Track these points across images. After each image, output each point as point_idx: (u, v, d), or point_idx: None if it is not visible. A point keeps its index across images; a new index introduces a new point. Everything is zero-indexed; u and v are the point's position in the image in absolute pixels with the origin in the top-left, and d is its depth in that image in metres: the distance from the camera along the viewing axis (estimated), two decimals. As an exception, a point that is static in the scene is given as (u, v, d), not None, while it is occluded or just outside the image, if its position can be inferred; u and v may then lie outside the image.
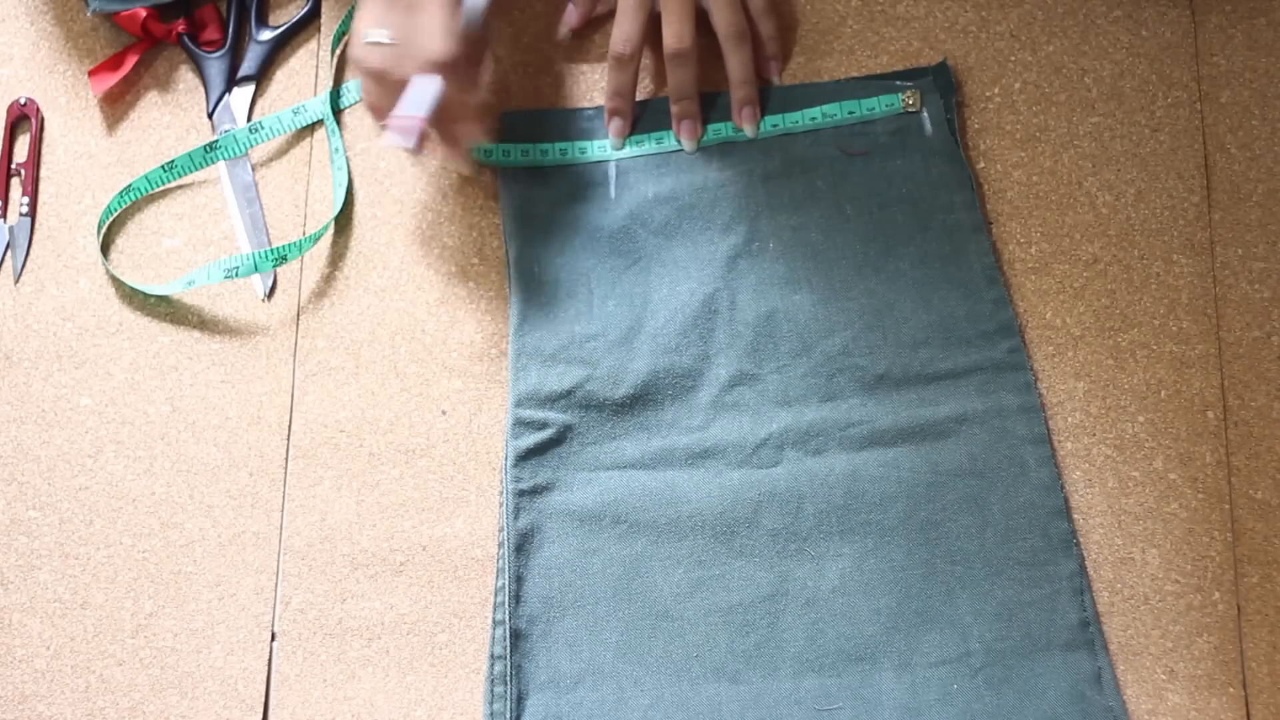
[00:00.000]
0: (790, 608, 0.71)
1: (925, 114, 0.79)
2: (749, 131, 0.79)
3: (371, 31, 0.71)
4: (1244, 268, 0.76)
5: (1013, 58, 0.82)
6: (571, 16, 0.82)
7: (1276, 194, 0.77)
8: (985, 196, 0.79)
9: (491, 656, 0.72)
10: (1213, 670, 0.70)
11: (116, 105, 0.85)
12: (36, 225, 0.83)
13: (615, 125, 0.80)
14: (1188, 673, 0.70)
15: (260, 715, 0.73)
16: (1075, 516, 0.73)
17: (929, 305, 0.76)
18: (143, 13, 0.84)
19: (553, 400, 0.75)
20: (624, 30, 0.77)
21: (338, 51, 0.85)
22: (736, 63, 0.78)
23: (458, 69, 0.71)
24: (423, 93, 0.70)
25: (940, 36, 0.82)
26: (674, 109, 0.79)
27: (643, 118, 0.81)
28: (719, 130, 0.80)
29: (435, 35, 0.70)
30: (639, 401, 0.75)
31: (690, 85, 0.78)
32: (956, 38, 0.82)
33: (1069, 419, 0.75)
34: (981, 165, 0.79)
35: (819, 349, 0.75)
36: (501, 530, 0.74)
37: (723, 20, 0.77)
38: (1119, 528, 0.73)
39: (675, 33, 0.76)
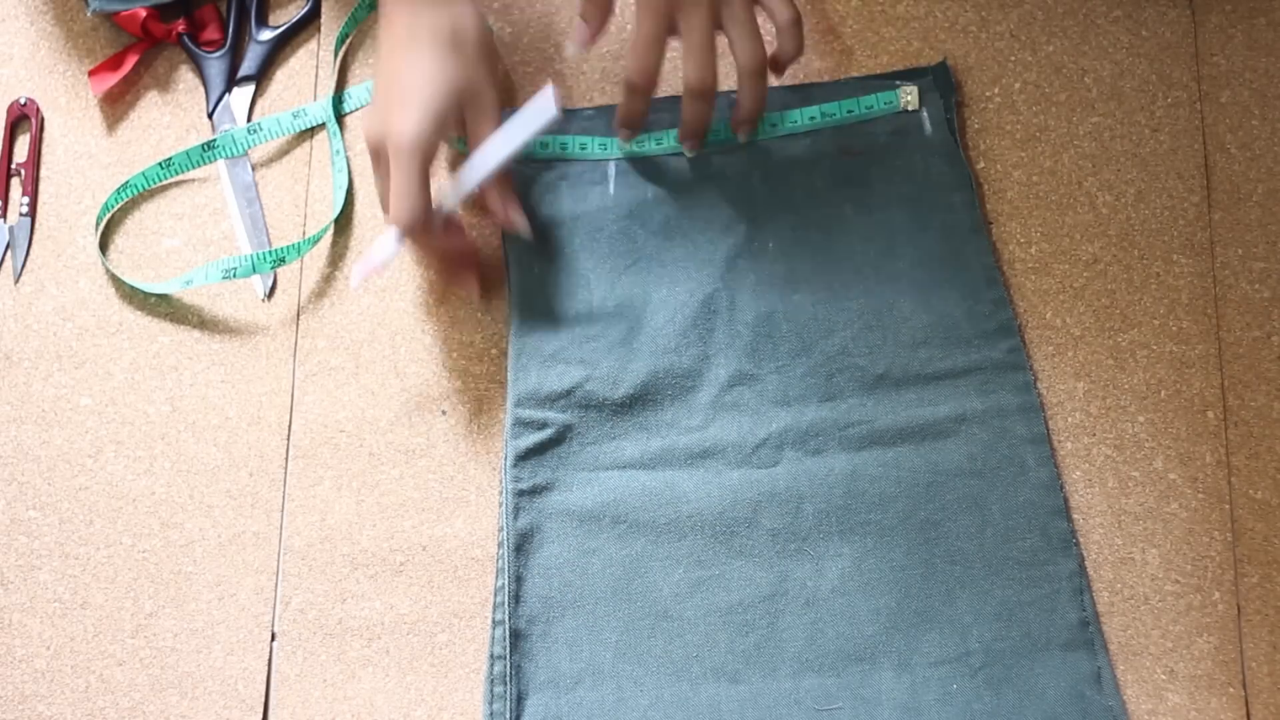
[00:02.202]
0: (790, 608, 0.71)
1: (925, 114, 0.79)
2: (742, 140, 0.79)
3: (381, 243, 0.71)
4: (1244, 268, 0.76)
5: (1013, 58, 0.82)
6: (581, 33, 0.78)
7: (1276, 194, 0.77)
8: (985, 196, 0.79)
9: (491, 656, 0.72)
10: (1213, 670, 0.70)
11: (116, 105, 0.85)
12: (36, 225, 0.83)
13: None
14: (1188, 673, 0.70)
15: (260, 715, 0.73)
16: (1075, 516, 0.73)
17: (928, 305, 0.76)
18: (143, 12, 0.84)
19: (552, 400, 0.75)
20: (642, 61, 0.73)
21: (340, 54, 0.85)
22: (750, 96, 0.75)
23: (420, 232, 0.69)
24: (383, 247, 0.71)
25: (940, 36, 0.82)
26: (683, 134, 0.77)
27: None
28: (718, 131, 0.80)
29: (396, 200, 0.68)
30: (638, 401, 0.75)
31: (706, 120, 0.76)
32: (956, 38, 0.82)
33: (1069, 419, 0.75)
34: (981, 165, 0.79)
35: (818, 349, 0.75)
36: (501, 530, 0.74)
37: (744, 51, 0.73)
38: (1119, 528, 0.72)
39: (697, 67, 0.72)
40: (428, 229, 0.71)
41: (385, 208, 0.73)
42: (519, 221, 0.75)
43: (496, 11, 0.84)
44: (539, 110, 0.70)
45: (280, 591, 0.75)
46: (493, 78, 0.71)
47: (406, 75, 0.69)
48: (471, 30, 0.70)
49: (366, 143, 0.71)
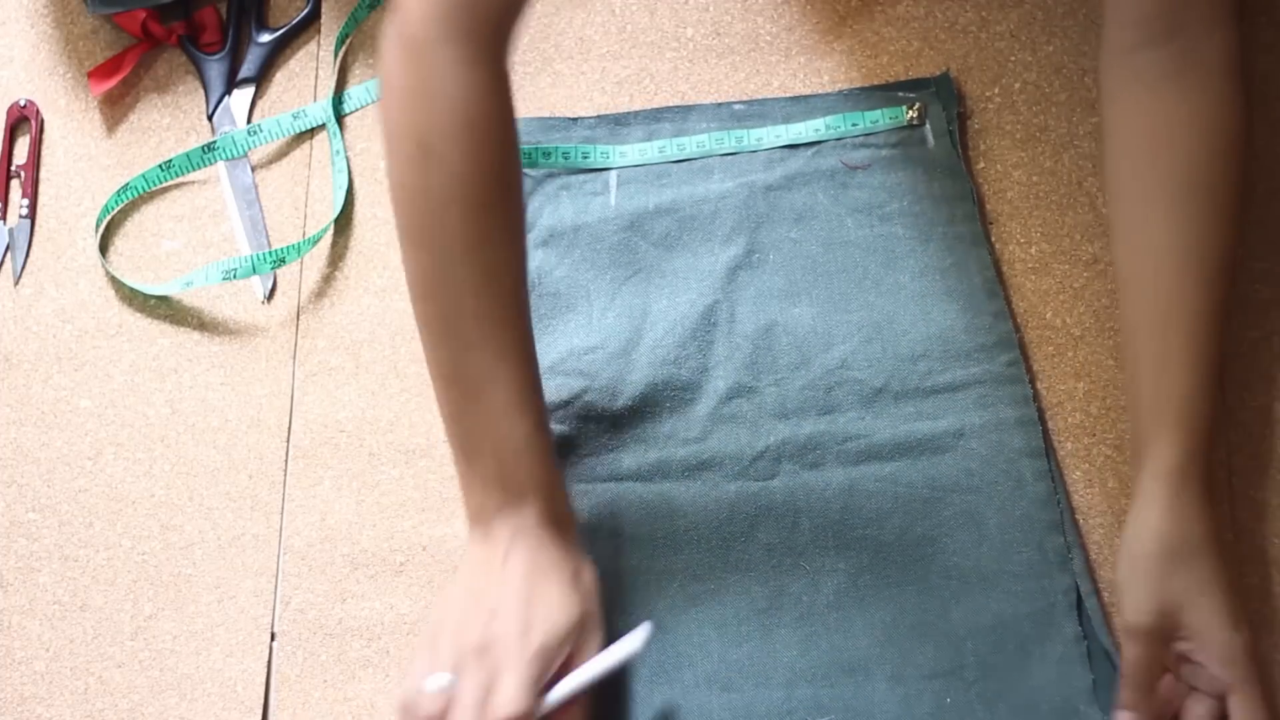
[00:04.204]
0: (784, 621, 0.70)
1: (928, 127, 0.79)
2: None
3: (435, 678, 0.63)
4: (1244, 268, 0.76)
5: (1013, 58, 0.81)
6: None
7: (1276, 194, 0.77)
8: (985, 196, 0.79)
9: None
10: (1213, 670, 0.70)
11: (116, 107, 0.85)
12: (36, 227, 0.83)
13: None
14: (1188, 672, 0.70)
15: (260, 716, 0.73)
16: (1075, 517, 0.72)
17: (929, 318, 0.75)
18: (142, 14, 0.85)
19: (551, 411, 0.74)
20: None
21: (340, 55, 0.85)
22: None
23: None
24: None
25: (940, 36, 0.82)
26: None
27: (644, 124, 0.81)
28: (720, 140, 0.80)
29: (512, 691, 0.62)
30: (637, 413, 0.75)
31: None
32: (956, 38, 0.82)
33: (1069, 419, 0.74)
34: (981, 165, 0.79)
35: (818, 362, 0.75)
36: (500, 535, 0.73)
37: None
38: (1119, 528, 0.72)
39: None
40: None
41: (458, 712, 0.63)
42: None
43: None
44: (632, 642, 0.66)
45: (280, 592, 0.75)
46: (602, 615, 0.67)
47: (533, 598, 0.65)
48: (591, 575, 0.67)
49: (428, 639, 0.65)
